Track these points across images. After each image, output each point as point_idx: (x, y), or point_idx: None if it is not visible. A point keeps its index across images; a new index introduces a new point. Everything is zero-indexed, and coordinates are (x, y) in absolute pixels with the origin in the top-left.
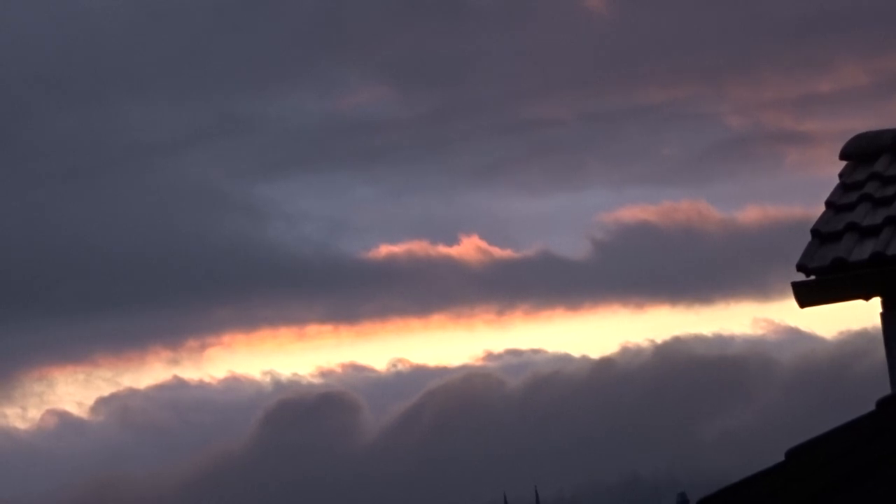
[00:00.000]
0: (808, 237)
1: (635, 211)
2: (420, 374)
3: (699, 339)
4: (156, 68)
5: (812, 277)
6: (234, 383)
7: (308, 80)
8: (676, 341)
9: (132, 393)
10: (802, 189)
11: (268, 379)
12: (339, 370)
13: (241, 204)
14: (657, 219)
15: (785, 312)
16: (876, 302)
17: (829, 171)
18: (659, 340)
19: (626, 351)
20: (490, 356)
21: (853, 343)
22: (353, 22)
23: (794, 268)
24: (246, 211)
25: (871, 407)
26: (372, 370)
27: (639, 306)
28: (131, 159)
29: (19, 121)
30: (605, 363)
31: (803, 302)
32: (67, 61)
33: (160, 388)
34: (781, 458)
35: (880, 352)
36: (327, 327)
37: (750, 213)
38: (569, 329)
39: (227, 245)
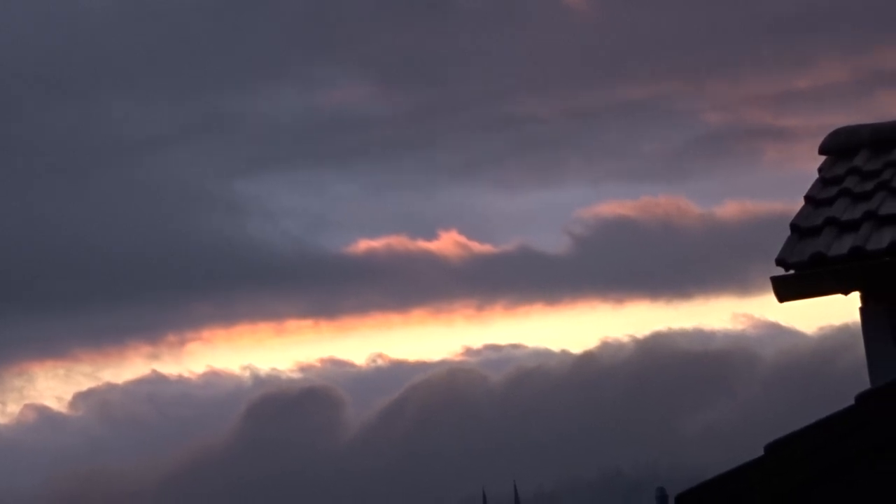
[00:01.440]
0: (788, 232)
1: (614, 206)
2: (399, 369)
3: (679, 334)
4: (139, 65)
5: (791, 272)
6: (213, 378)
7: (289, 78)
8: (656, 336)
9: (111, 388)
10: (781, 184)
11: (247, 374)
12: (318, 365)
13: (222, 200)
14: (636, 214)
15: (765, 307)
16: (855, 297)
17: (807, 167)
18: (639, 335)
19: (606, 346)
20: (469, 351)
21: (833, 338)
22: (335, 20)
23: (773, 262)
24: (226, 207)
25: (851, 402)
26: (351, 365)
27: (618, 301)
28: (114, 156)
29: (3, 116)
30: (586, 358)
31: (782, 296)
32: (53, 58)
33: (139, 383)
34: (761, 452)
35: (860, 347)
36: (307, 322)
37: (729, 209)
38: (548, 324)
39: (207, 241)
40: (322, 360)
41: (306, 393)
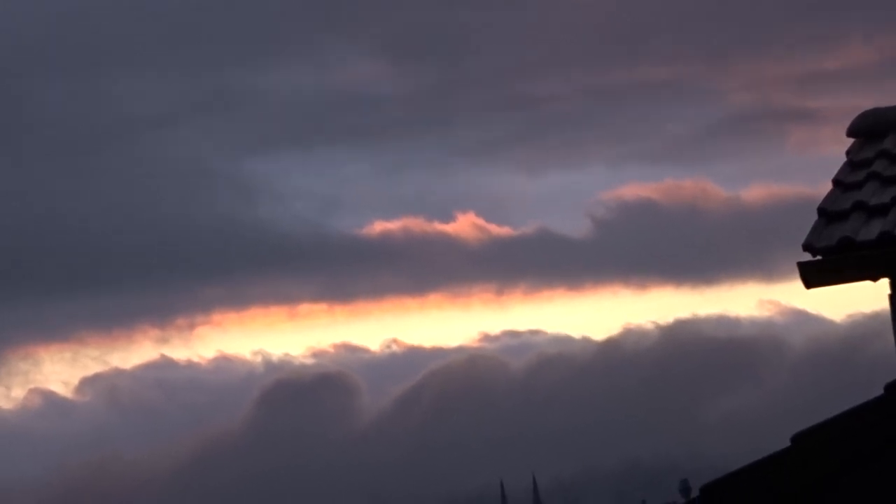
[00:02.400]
0: (815, 216)
1: (637, 189)
2: (415, 355)
3: (704, 321)
4: (146, 40)
5: (819, 258)
6: (223, 363)
7: (302, 55)
8: (680, 323)
9: (119, 373)
10: (808, 167)
11: (258, 359)
12: (331, 350)
13: (232, 180)
14: (660, 197)
15: (792, 294)
16: (884, 283)
17: (834, 150)
18: (662, 322)
19: (628, 333)
20: (487, 338)
21: (862, 326)
22: None
23: (800, 247)
24: (237, 188)
25: (880, 391)
26: (366, 351)
27: (641, 287)
28: (121, 135)
29: (6, 95)
30: (608, 345)
31: (809, 282)
32: (58, 34)
33: (148, 368)
34: (787, 443)
35: (890, 335)
36: (320, 306)
37: (755, 192)
38: (569, 310)
39: (217, 222)
40: (335, 346)
41: (319, 379)
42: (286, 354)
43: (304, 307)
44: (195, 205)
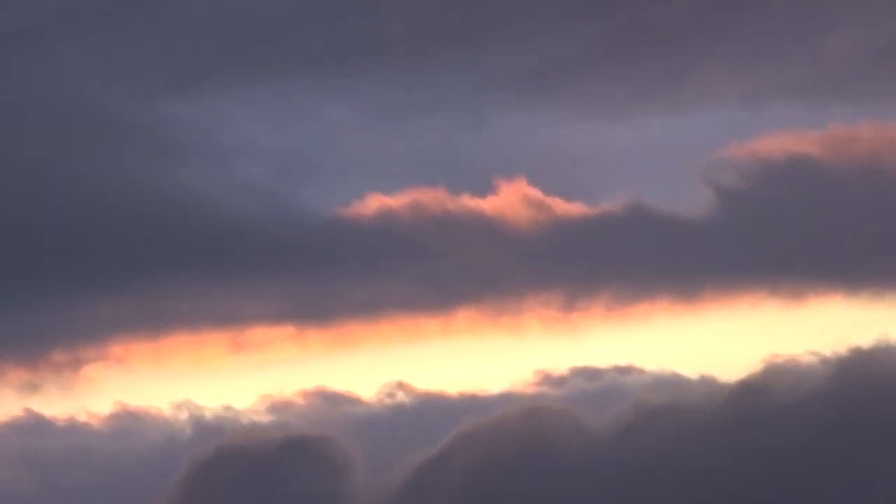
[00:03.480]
0: None
1: (782, 140)
2: (435, 407)
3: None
4: None
5: None
6: (127, 423)
7: None
8: (858, 355)
9: None
10: None
11: (183, 415)
12: (300, 402)
13: (140, 131)
14: (819, 152)
15: None
16: None
17: None
18: (829, 352)
19: (775, 370)
20: (549, 379)
21: None
22: None
23: None
24: (146, 142)
25: None
26: (356, 401)
27: (795, 296)
28: None
29: None
30: (743, 390)
31: None
32: None
33: (6, 430)
34: None
35: None
36: (281, 331)
37: None
38: (679, 334)
39: (116, 198)
40: (307, 394)
41: (283, 448)
42: (227, 408)
43: (257, 332)
44: (78, 169)
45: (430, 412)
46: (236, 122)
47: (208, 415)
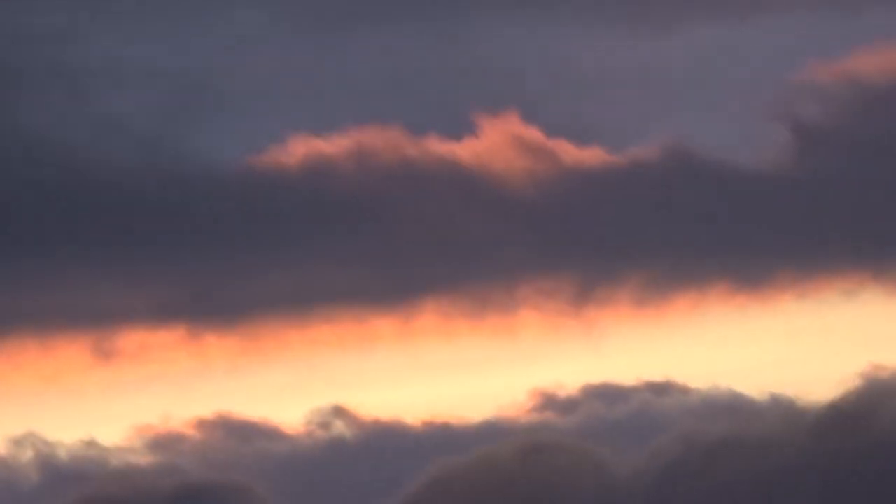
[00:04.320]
0: None
1: (884, 56)
2: (386, 441)
3: None
4: None
5: None
6: None
7: None
8: None
9: None
10: None
11: (26, 454)
12: (194, 435)
13: None
14: None
15: None
16: None
17: None
18: None
19: (876, 388)
20: (553, 402)
21: None
22: None
23: None
24: None
25: None
26: (274, 433)
27: None
28: None
29: None
30: (834, 417)
31: None
32: None
33: None
34: None
35: None
36: (166, 334)
37: None
38: (740, 337)
39: None
40: (204, 424)
41: (172, 502)
42: (90, 444)
43: (132, 336)
44: None
45: (382, 449)
46: (118, 29)
47: (62, 454)
